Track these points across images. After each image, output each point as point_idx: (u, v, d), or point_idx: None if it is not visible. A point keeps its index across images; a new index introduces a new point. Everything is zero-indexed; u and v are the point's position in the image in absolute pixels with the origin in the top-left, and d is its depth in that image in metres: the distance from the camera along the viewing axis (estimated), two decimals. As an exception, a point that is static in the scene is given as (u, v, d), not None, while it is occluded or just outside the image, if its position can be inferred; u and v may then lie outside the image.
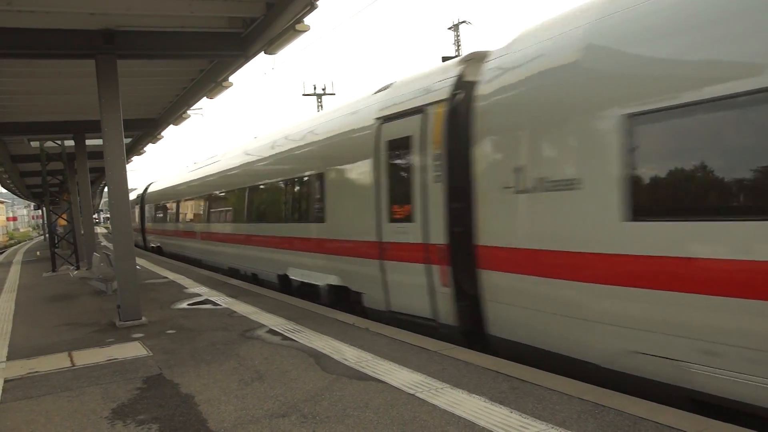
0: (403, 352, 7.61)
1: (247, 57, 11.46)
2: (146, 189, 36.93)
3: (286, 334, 9.02)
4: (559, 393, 5.74)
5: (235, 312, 11.10)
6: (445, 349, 7.68)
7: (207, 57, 12.21)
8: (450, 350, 7.60)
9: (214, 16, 10.57)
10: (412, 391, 6.06)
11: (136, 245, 35.01)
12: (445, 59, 9.95)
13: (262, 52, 11.05)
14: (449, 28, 50.80)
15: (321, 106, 45.05)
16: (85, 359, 8.35)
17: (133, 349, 8.73)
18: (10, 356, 8.87)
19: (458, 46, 50.23)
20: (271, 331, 9.26)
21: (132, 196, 38.83)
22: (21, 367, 8.12)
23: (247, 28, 10.91)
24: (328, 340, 8.43)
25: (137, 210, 37.77)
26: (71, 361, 8.32)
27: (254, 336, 9.06)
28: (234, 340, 8.86)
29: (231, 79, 13.04)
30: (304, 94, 45.61)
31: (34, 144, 22.52)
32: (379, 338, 8.43)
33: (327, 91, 45.43)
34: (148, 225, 35.08)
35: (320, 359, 7.50)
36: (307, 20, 9.73)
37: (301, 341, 8.49)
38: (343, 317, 10.02)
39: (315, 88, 45.22)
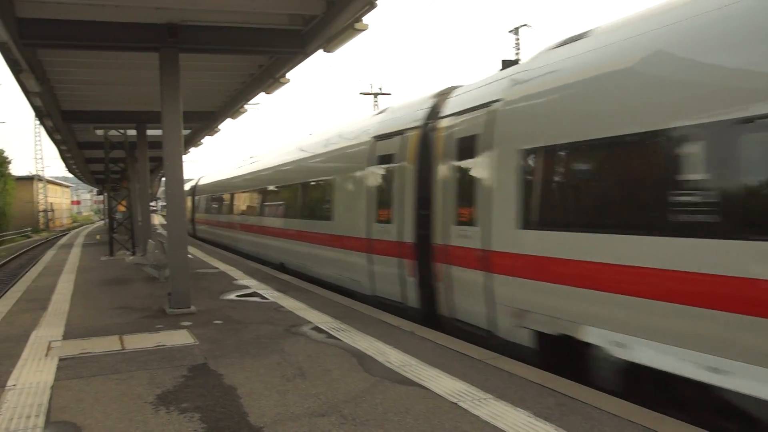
0: (448, 358, 7.55)
1: (305, 54, 11.55)
2: (198, 181, 38.69)
3: (331, 332, 9.06)
4: (607, 413, 5.58)
5: (282, 307, 11.20)
6: (490, 358, 7.60)
7: (267, 53, 12.34)
8: (494, 359, 7.51)
9: (275, 12, 10.68)
10: (454, 400, 6.00)
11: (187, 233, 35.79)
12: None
13: (321, 49, 11.12)
14: (510, 31, 50.30)
15: (377, 104, 45.18)
16: (135, 344, 8.54)
17: (180, 337, 8.89)
18: (66, 336, 9.16)
19: (518, 49, 49.72)
20: (317, 329, 9.31)
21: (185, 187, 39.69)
22: (75, 347, 8.38)
23: (306, 25, 10.99)
24: (372, 341, 8.43)
25: (188, 201, 38.78)
26: (122, 344, 8.53)
27: (299, 332, 9.12)
28: (279, 335, 8.94)
29: (288, 75, 13.14)
30: (361, 93, 45.87)
31: (99, 132, 23.15)
32: (424, 342, 8.38)
33: (383, 91, 45.54)
34: (198, 215, 36.89)
35: (364, 360, 7.50)
36: (366, 19, 9.76)
37: (345, 340, 8.51)
38: (389, 318, 10.01)
39: (371, 87, 45.40)
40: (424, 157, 10.22)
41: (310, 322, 9.81)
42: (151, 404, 6.02)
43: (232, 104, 17.57)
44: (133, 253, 22.15)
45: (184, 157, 11.35)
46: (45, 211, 74.55)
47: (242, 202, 24.79)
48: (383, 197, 11.46)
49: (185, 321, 10.04)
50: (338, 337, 8.74)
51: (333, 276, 14.01)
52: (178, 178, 11.05)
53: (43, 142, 79.52)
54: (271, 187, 20.27)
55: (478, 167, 8.75)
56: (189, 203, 39.06)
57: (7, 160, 58.77)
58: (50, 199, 78.59)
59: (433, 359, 7.48)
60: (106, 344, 8.55)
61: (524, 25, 49.34)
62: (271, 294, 12.65)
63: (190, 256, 11.90)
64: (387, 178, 11.38)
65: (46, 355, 8.02)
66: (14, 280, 20.45)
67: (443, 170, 9.66)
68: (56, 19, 10.10)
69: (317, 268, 15.12)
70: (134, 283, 14.92)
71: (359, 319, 10.03)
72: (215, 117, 19.77)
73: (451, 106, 9.92)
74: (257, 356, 7.76)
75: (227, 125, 20.66)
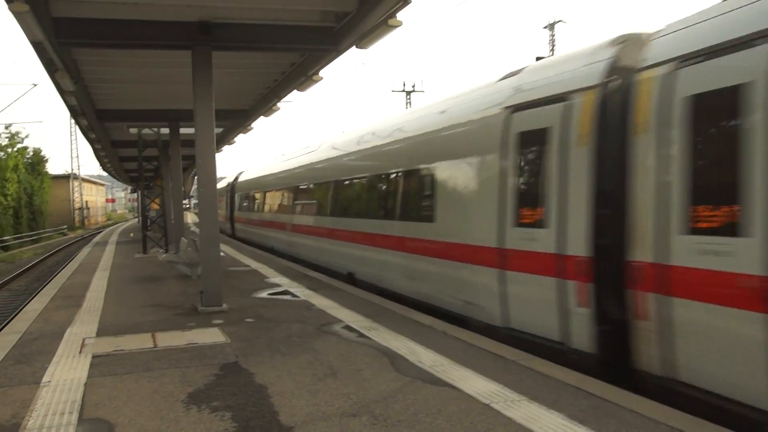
0: (480, 359, 7.44)
1: (338, 51, 11.50)
2: (237, 178, 35.81)
3: (362, 331, 9.00)
4: (644, 417, 5.44)
5: (313, 305, 11.17)
6: (523, 358, 7.48)
7: (299, 50, 12.32)
8: (528, 360, 7.39)
9: (308, 9, 10.65)
10: (487, 401, 5.90)
11: (223, 232, 35.39)
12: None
13: (354, 46, 11.06)
14: (545, 27, 49.88)
15: (410, 103, 45.06)
16: (167, 341, 8.58)
17: (212, 335, 8.90)
18: (100, 332, 9.25)
19: (553, 45, 49.30)
20: (348, 328, 9.26)
21: (221, 184, 39.59)
22: (108, 344, 8.44)
23: (339, 22, 10.94)
24: (404, 341, 8.35)
25: (226, 198, 37.28)
26: (154, 342, 8.57)
27: (330, 331, 9.08)
28: (310, 334, 8.90)
29: (321, 73, 13.11)
30: (393, 91, 45.75)
31: (133, 130, 23.37)
32: (456, 342, 8.29)
33: (416, 89, 45.37)
34: (238, 214, 34.00)
35: (395, 360, 7.42)
36: (399, 15, 9.67)
37: (376, 340, 8.44)
38: (421, 318, 9.92)
39: (404, 86, 45.25)
40: (605, 130, 7.26)
41: (341, 320, 9.76)
42: (183, 402, 6.02)
43: (264, 102, 17.60)
44: (166, 251, 22.34)
45: (217, 155, 11.37)
46: (80, 208, 75.70)
47: (296, 199, 21.03)
48: (528, 191, 8.35)
49: (217, 319, 10.07)
50: (369, 336, 8.68)
51: (431, 295, 10.87)
52: (210, 176, 11.09)
53: (79, 141, 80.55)
54: (339, 181, 16.47)
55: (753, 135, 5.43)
56: (226, 201, 37.13)
57: (44, 159, 59.73)
58: (85, 197, 79.80)
59: (465, 359, 7.39)
60: (139, 342, 8.60)
61: (559, 21, 48.95)
62: (302, 292, 12.64)
63: (222, 254, 11.94)
64: (535, 163, 8.27)
65: (80, 352, 8.09)
66: (50, 277, 20.78)
67: (660, 147, 6.38)
68: (90, 18, 10.19)
69: (404, 283, 11.92)
70: (167, 281, 15.04)
71: (391, 318, 9.95)
72: (248, 115, 19.83)
73: (662, 50, 6.60)
74: (288, 355, 7.74)
75: (258, 123, 20.26)
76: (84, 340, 8.78)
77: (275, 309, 10.91)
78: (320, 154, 18.95)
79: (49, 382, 6.79)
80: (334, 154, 17.50)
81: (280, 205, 23.57)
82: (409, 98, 44.79)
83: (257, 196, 28.11)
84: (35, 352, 8.13)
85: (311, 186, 19.24)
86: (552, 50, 47.83)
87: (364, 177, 14.62)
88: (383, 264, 12.90)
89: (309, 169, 19.81)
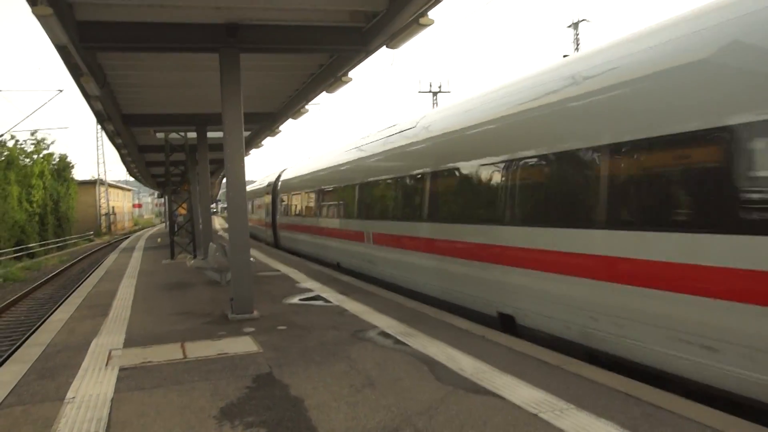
0: (523, 365, 7.14)
1: (367, 52, 11.24)
2: (279, 176, 30.19)
3: (398, 337, 8.71)
4: (700, 424, 5.15)
5: (346, 310, 10.90)
6: (567, 363, 7.16)
7: (328, 51, 12.07)
8: (573, 365, 7.08)
9: (337, 9, 10.39)
10: (534, 411, 5.60)
11: (258, 239, 34.16)
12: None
13: (384, 46, 10.79)
14: (569, 26, 49.40)
15: (436, 103, 44.78)
16: (197, 352, 8.34)
17: (244, 345, 8.65)
18: (127, 343, 9.01)
19: (577, 44, 48.75)
20: (383, 334, 8.97)
21: (253, 186, 38.07)
22: (136, 356, 8.20)
23: (368, 22, 10.68)
24: (442, 347, 8.05)
25: (266, 201, 32.41)
26: (183, 352, 8.33)
27: (365, 337, 8.80)
28: (345, 341, 8.63)
29: (350, 74, 12.85)
30: (419, 92, 45.53)
31: (159, 135, 23.34)
32: (496, 348, 7.99)
33: (443, 90, 45.10)
34: (283, 220, 28.35)
35: (435, 368, 7.13)
36: (430, 14, 9.38)
37: (414, 346, 8.15)
38: (457, 322, 9.62)
39: (431, 86, 45.01)
40: None
41: (375, 326, 9.48)
42: (215, 418, 5.76)
43: (292, 104, 17.37)
44: (194, 257, 22.23)
45: (245, 159, 11.14)
46: (107, 214, 76.27)
47: (384, 198, 14.72)
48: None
49: (248, 327, 9.82)
50: (406, 342, 8.40)
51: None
52: (239, 180, 10.86)
53: (105, 146, 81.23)
54: (458, 169, 10.87)
55: None
56: (266, 203, 32.32)
57: (70, 165, 60.24)
58: (112, 203, 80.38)
59: (508, 366, 7.09)
60: (168, 352, 8.35)
61: (583, 20, 48.41)
62: (334, 297, 12.38)
63: (252, 259, 11.73)
64: None
65: (107, 364, 7.85)
66: (76, 285, 20.73)
67: None
68: (115, 21, 10.00)
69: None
70: (196, 287, 14.85)
71: (427, 322, 9.67)
72: (275, 118, 19.62)
73: None
74: (323, 364, 7.46)
75: (285, 125, 19.37)
76: (110, 351, 8.54)
77: (308, 315, 10.65)
78: (392, 142, 14.41)
79: (73, 398, 6.54)
80: (417, 137, 12.85)
81: (344, 208, 17.99)
82: (436, 99, 44.51)
83: (308, 196, 22.71)
84: (59, 366, 7.87)
85: (396, 182, 13.81)
86: (576, 49, 47.29)
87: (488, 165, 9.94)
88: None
89: (375, 165, 15.41)
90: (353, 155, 17.82)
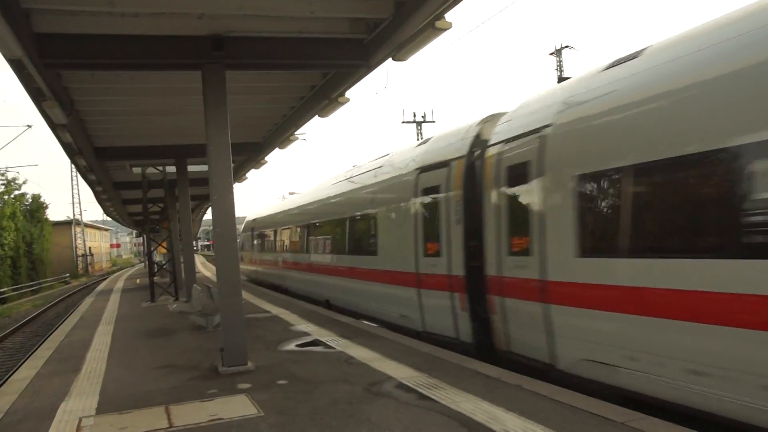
0: (581, 423, 5.88)
1: (369, 66, 10.10)
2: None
3: (420, 390, 7.41)
4: None
5: (352, 357, 9.57)
6: (634, 419, 5.91)
7: (324, 67, 10.90)
8: (640, 421, 5.84)
9: (336, 17, 9.26)
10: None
11: None
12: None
13: (390, 59, 9.62)
14: (551, 54, 48.69)
15: (421, 134, 43.82)
16: (185, 417, 6.95)
17: (240, 406, 7.27)
18: (101, 408, 7.58)
19: (561, 71, 48.10)
20: (402, 386, 7.66)
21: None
22: (111, 426, 6.81)
23: (370, 32, 9.56)
24: (476, 402, 6.78)
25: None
26: (168, 419, 6.93)
27: (383, 392, 7.47)
28: (360, 398, 7.29)
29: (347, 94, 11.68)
30: (403, 122, 44.50)
31: (136, 170, 21.95)
32: (540, 401, 6.74)
33: (427, 119, 44.16)
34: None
35: (475, 431, 5.83)
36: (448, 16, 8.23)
37: (442, 402, 6.87)
38: (483, 369, 8.37)
39: (414, 116, 44.06)
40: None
41: (391, 377, 8.17)
42: None
43: (280, 132, 16.16)
44: (176, 299, 20.75)
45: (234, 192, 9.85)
46: (84, 255, 74.17)
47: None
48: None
49: (243, 383, 8.41)
50: (432, 397, 7.12)
51: None
52: (228, 214, 9.50)
53: (81, 185, 79.23)
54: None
55: None
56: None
57: (44, 205, 58.47)
58: (89, 243, 78.36)
59: (562, 424, 5.86)
60: (150, 420, 6.93)
61: (567, 47, 47.73)
62: (336, 342, 11.01)
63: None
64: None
65: (76, 438, 6.40)
66: (47, 334, 19.08)
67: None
68: (81, 34, 8.77)
69: None
70: (179, 334, 13.38)
71: (447, 370, 8.42)
72: (261, 148, 18.40)
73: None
74: (340, 431, 6.13)
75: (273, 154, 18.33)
76: (80, 420, 7.09)
77: (310, 365, 9.29)
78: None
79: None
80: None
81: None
82: (420, 129, 43.54)
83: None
84: (18, 443, 6.40)
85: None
86: (560, 76, 46.65)
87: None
88: None
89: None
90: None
